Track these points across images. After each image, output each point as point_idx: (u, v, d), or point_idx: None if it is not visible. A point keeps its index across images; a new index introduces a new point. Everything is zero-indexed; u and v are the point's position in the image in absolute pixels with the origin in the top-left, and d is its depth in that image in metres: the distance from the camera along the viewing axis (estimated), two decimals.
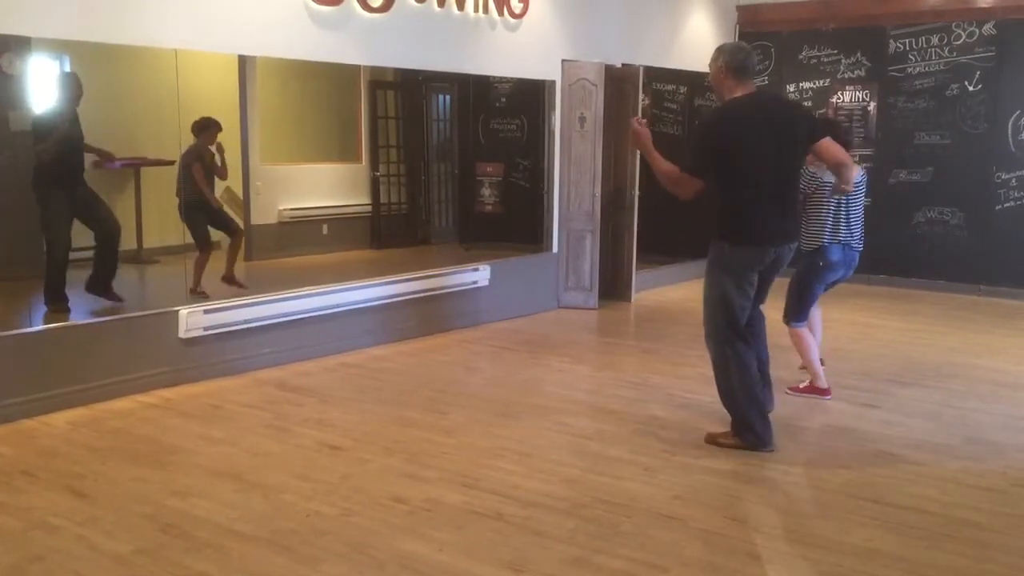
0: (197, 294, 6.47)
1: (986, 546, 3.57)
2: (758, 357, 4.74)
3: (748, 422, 4.57)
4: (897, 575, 3.32)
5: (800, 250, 5.12)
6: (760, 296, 4.71)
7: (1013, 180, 9.00)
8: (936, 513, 3.87)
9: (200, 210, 6.92)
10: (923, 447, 4.70)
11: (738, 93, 4.46)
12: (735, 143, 4.36)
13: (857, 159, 5.70)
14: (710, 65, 4.57)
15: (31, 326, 5.34)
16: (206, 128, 6.83)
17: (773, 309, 5.13)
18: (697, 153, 4.44)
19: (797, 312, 5.49)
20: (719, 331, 4.54)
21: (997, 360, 6.59)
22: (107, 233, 6.15)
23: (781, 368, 5.68)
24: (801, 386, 5.56)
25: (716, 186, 4.48)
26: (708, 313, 4.60)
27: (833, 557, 3.45)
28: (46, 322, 5.49)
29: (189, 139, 6.72)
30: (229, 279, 6.95)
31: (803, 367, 5.69)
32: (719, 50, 4.53)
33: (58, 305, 5.79)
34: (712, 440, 4.66)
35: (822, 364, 5.64)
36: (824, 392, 5.50)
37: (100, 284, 6.05)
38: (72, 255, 6.01)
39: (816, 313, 5.75)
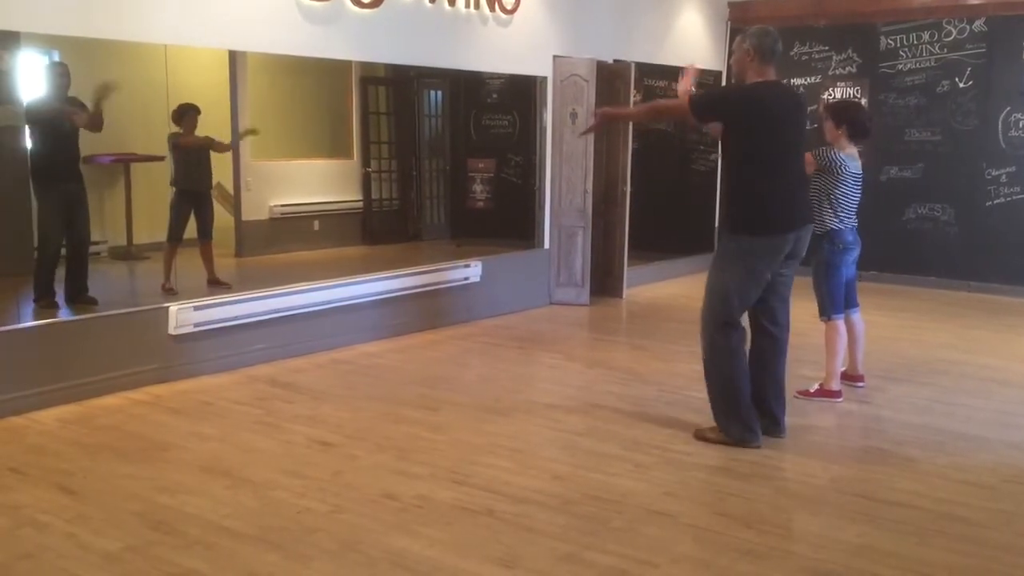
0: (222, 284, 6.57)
1: (976, 542, 3.59)
2: (774, 377, 4.66)
3: (737, 416, 4.53)
4: (887, 571, 3.33)
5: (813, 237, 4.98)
6: (782, 291, 4.61)
7: (1003, 176, 9.02)
8: (926, 509, 3.88)
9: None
10: (913, 443, 4.71)
11: (760, 79, 4.48)
12: (764, 124, 4.36)
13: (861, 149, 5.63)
14: (735, 48, 4.61)
15: (20, 322, 5.32)
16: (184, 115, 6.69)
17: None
18: (714, 100, 4.45)
19: (831, 303, 5.32)
20: (715, 320, 4.51)
21: (987, 356, 6.60)
22: (80, 241, 6.07)
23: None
24: (812, 389, 5.40)
25: (733, 175, 4.53)
26: (708, 302, 4.55)
27: (824, 553, 3.45)
28: (35, 318, 5.46)
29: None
30: (215, 281, 6.86)
31: (845, 377, 5.56)
32: (746, 34, 4.54)
33: (46, 301, 5.74)
34: (700, 436, 4.66)
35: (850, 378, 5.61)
36: (835, 394, 5.37)
37: (74, 292, 5.96)
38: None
39: (855, 325, 5.57)
